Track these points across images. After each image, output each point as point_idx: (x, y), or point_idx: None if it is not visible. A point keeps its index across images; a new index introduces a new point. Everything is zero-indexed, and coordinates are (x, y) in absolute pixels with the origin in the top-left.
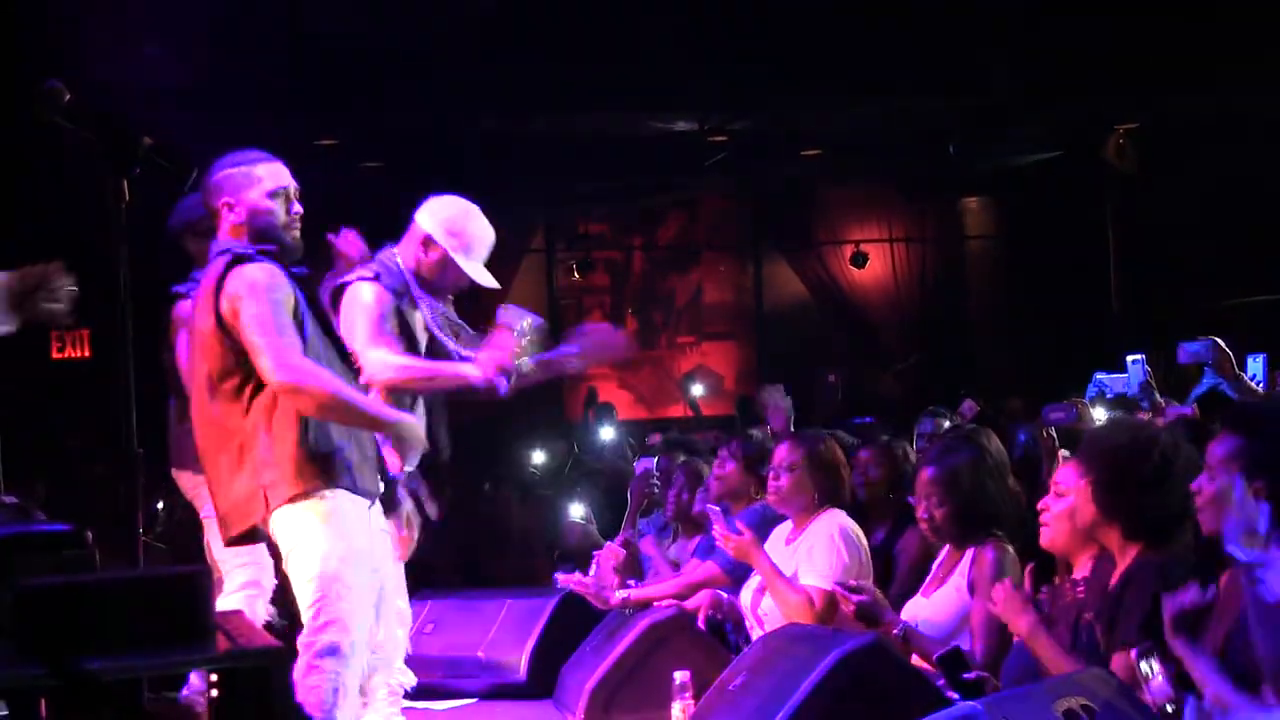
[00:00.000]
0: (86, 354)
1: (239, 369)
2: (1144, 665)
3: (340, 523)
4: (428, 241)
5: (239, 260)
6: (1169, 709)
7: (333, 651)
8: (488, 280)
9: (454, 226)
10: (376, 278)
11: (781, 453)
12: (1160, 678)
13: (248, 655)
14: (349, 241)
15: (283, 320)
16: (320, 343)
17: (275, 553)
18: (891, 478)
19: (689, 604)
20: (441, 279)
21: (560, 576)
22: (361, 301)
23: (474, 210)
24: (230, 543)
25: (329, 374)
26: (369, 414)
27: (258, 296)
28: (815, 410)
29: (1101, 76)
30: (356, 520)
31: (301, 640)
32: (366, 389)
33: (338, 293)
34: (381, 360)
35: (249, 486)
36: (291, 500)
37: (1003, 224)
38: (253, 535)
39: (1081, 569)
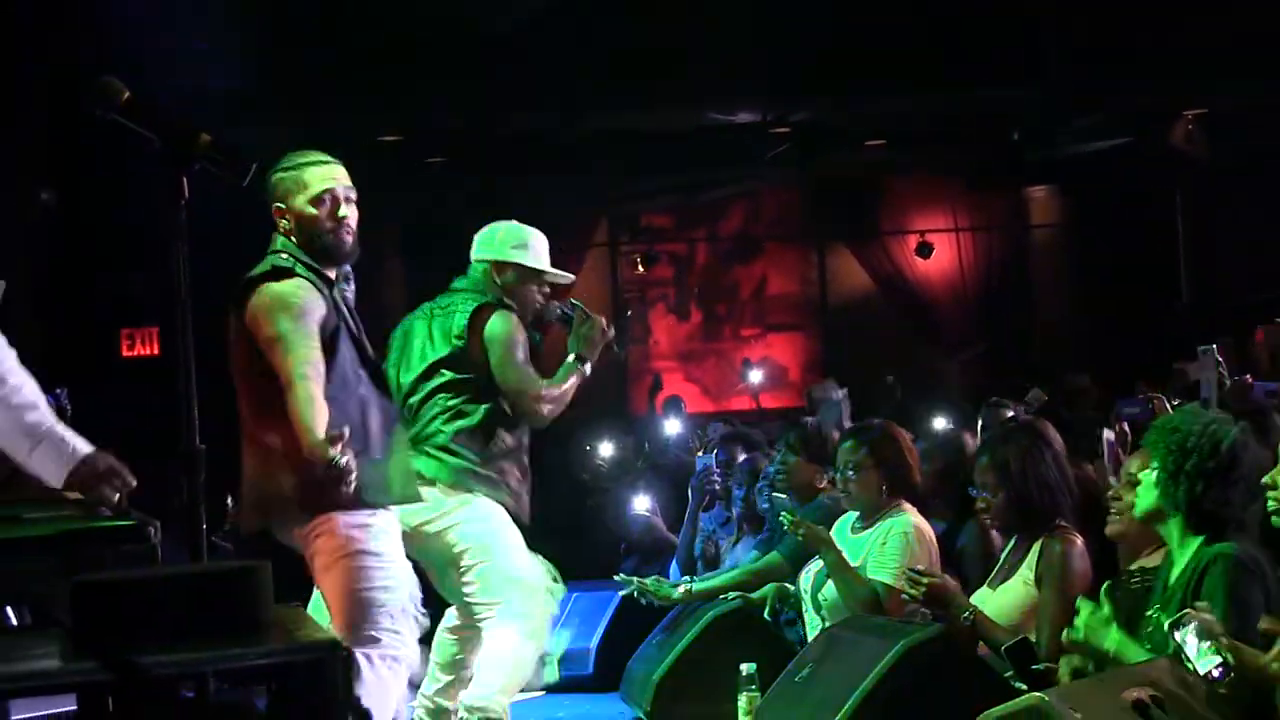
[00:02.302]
0: (155, 352)
1: None
2: (1178, 636)
3: None
4: (500, 266)
5: (273, 275)
6: (1215, 674)
7: None
8: (566, 276)
9: (516, 240)
10: (501, 302)
11: (845, 453)
12: (1198, 649)
13: (305, 650)
14: None
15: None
16: (350, 356)
17: None
18: (950, 469)
19: (754, 594)
20: (523, 298)
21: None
22: (506, 333)
23: (516, 224)
24: None
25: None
26: (309, 439)
27: (279, 315)
28: (877, 411)
29: (1169, 62)
30: None
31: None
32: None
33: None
34: (544, 405)
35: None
36: None
37: (1069, 213)
38: None
39: (1150, 561)
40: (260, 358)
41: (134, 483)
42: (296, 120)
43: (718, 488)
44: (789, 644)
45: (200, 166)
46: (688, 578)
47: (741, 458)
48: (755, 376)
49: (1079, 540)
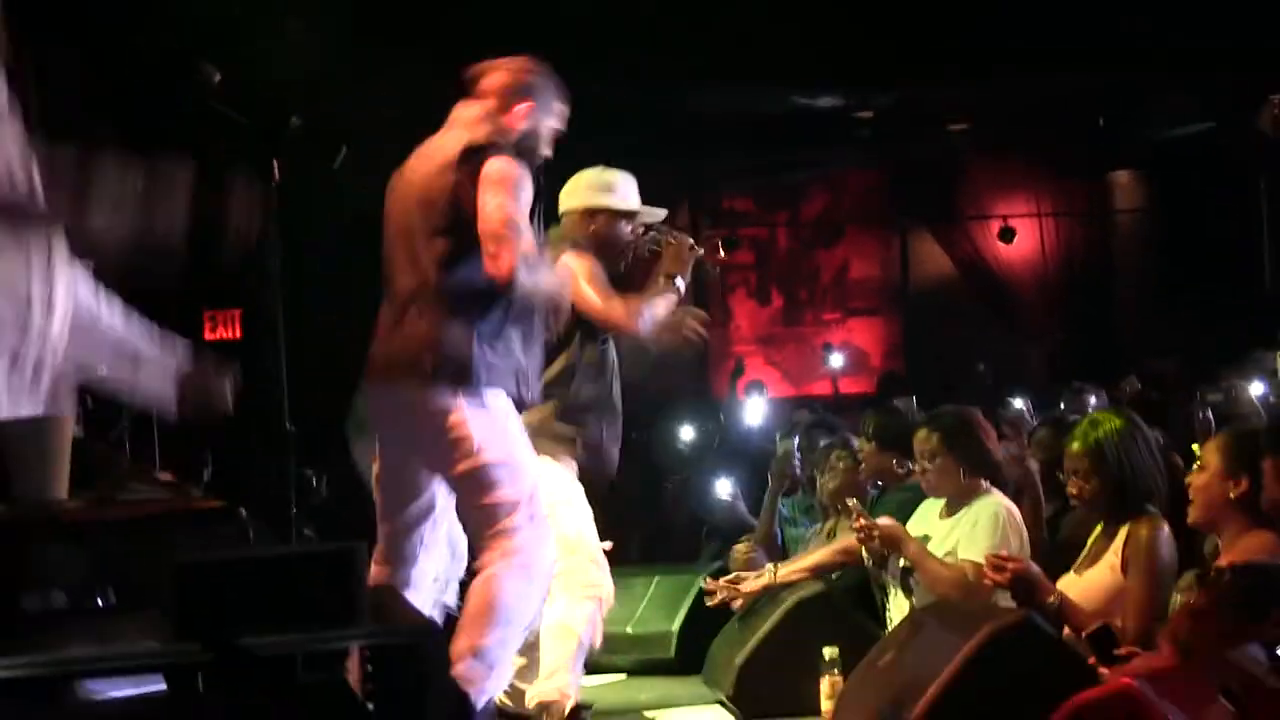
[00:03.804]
0: (238, 335)
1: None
2: None
3: None
4: (589, 213)
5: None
6: None
7: None
8: (658, 212)
9: (600, 184)
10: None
11: (919, 442)
12: None
13: (400, 632)
14: None
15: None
16: None
17: None
18: (1058, 458)
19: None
20: (615, 240)
21: (707, 585)
22: (578, 269)
23: (600, 168)
24: None
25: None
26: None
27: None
28: (967, 398)
29: (1256, 44)
30: None
31: None
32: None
33: None
34: (637, 320)
35: None
36: None
37: (1153, 198)
38: None
39: (1240, 552)
40: (462, 216)
41: (236, 379)
42: (381, 103)
43: (799, 473)
44: (872, 628)
45: (291, 149)
46: (770, 565)
47: (823, 443)
48: (836, 361)
49: (1166, 526)
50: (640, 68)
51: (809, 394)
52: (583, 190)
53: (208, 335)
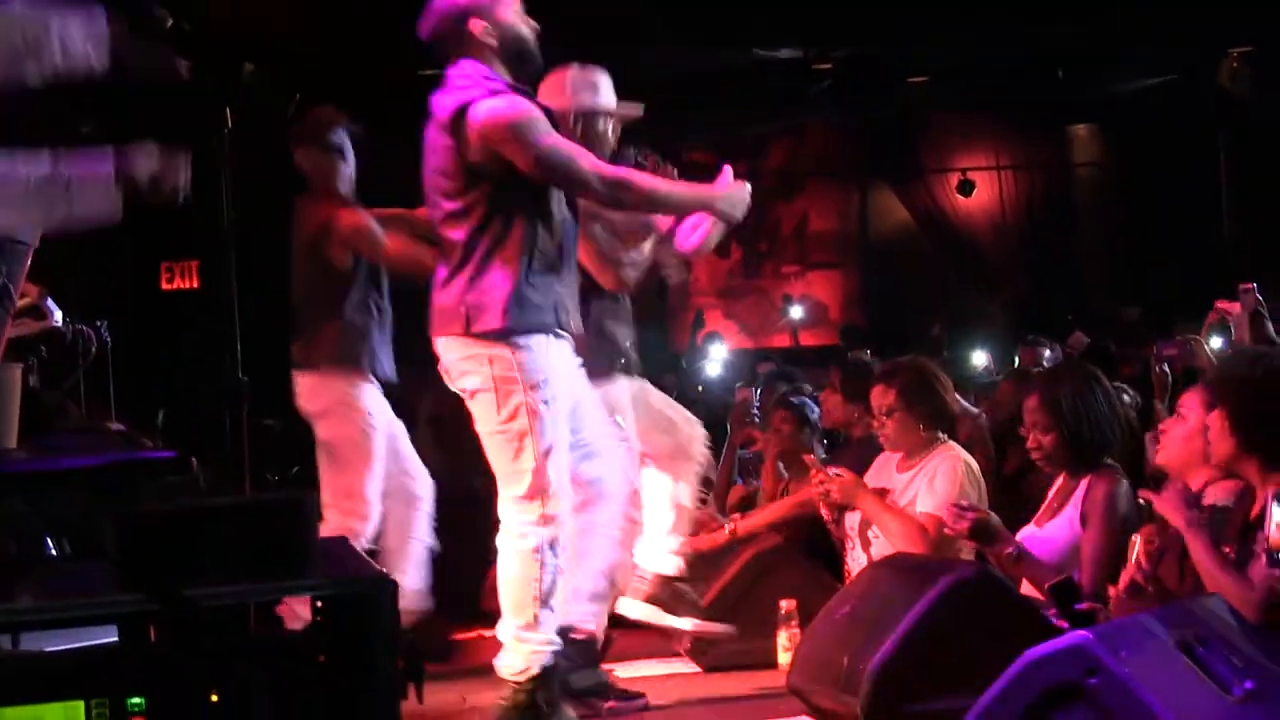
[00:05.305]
0: (195, 285)
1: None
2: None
3: None
4: (577, 115)
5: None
6: None
7: None
8: (636, 106)
9: (586, 84)
10: None
11: (876, 397)
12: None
13: (352, 582)
14: None
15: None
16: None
17: None
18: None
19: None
20: (599, 141)
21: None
22: None
23: (580, 66)
24: None
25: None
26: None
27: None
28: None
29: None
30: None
31: None
32: None
33: None
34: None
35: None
36: None
37: (1112, 151)
38: None
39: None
40: (465, 173)
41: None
42: (340, 55)
43: (756, 422)
44: (830, 581)
45: (243, 97)
46: (732, 518)
47: (781, 388)
48: (795, 314)
49: (1125, 480)
50: (599, 19)
51: (768, 346)
52: (569, 91)
53: (165, 286)
